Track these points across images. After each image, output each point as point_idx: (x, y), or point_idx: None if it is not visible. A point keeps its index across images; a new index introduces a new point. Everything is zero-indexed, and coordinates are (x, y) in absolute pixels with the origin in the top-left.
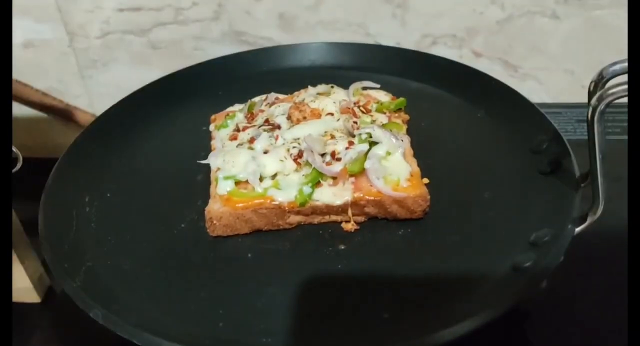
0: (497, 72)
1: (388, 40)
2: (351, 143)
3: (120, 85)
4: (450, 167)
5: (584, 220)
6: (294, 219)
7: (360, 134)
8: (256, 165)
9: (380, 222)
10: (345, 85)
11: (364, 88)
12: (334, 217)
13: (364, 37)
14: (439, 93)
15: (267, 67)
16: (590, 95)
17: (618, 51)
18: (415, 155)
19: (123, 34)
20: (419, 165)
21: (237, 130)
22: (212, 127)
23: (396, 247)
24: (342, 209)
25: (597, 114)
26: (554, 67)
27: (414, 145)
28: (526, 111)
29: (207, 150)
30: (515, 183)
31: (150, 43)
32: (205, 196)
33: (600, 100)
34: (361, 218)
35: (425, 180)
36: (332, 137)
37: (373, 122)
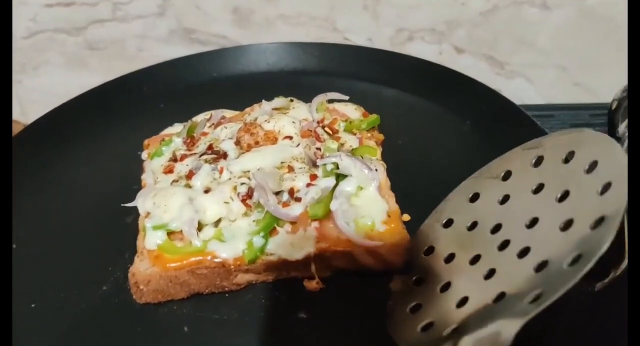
0: (482, 70)
1: (358, 36)
2: (314, 177)
3: (55, 92)
4: (435, 197)
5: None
6: (243, 278)
7: (324, 165)
8: (194, 211)
9: (351, 276)
10: (308, 95)
11: (330, 101)
12: (293, 272)
13: (331, 32)
14: (418, 102)
15: (218, 72)
16: (613, 115)
17: (613, 44)
18: (393, 186)
19: (54, 33)
20: (397, 198)
21: (174, 159)
22: (144, 155)
23: (371, 313)
24: (303, 264)
25: None
26: (543, 63)
27: (390, 172)
28: (521, 124)
29: (140, 182)
30: None
31: (86, 43)
32: (135, 246)
33: None
34: (327, 273)
35: (406, 217)
36: (290, 169)
37: (341, 145)
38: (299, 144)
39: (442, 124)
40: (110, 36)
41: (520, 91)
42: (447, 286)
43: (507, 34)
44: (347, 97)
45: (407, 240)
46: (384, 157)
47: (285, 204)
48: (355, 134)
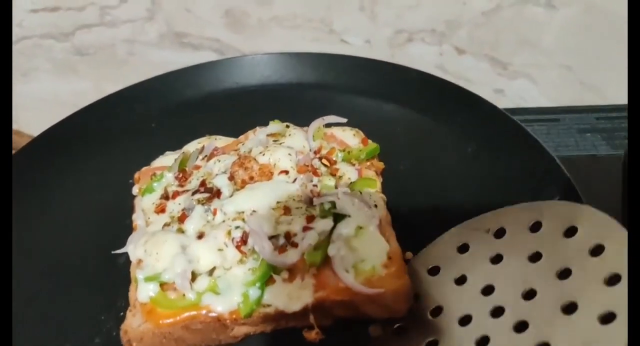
0: (483, 70)
1: (356, 37)
2: (310, 218)
3: (46, 98)
4: (438, 230)
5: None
6: (240, 331)
7: (321, 204)
8: (187, 261)
9: (353, 324)
10: (305, 111)
11: (328, 125)
12: (292, 323)
13: (328, 34)
14: (419, 119)
15: (210, 86)
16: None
17: (620, 42)
18: (394, 219)
19: (41, 39)
20: (398, 232)
21: (166, 197)
22: (135, 190)
23: None
24: (301, 315)
25: None
26: (547, 63)
27: (391, 203)
28: (529, 149)
29: (131, 214)
30: None
31: (74, 48)
32: (127, 292)
33: None
34: (328, 322)
35: (408, 255)
36: (287, 210)
37: (339, 178)
38: (295, 179)
39: (445, 146)
40: (99, 41)
41: (523, 91)
42: (433, 345)
43: (509, 34)
44: (345, 120)
45: (409, 285)
46: (384, 187)
47: (282, 249)
48: (354, 165)
